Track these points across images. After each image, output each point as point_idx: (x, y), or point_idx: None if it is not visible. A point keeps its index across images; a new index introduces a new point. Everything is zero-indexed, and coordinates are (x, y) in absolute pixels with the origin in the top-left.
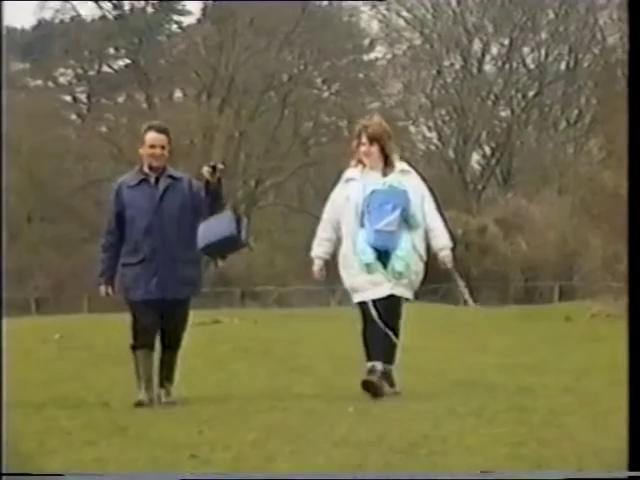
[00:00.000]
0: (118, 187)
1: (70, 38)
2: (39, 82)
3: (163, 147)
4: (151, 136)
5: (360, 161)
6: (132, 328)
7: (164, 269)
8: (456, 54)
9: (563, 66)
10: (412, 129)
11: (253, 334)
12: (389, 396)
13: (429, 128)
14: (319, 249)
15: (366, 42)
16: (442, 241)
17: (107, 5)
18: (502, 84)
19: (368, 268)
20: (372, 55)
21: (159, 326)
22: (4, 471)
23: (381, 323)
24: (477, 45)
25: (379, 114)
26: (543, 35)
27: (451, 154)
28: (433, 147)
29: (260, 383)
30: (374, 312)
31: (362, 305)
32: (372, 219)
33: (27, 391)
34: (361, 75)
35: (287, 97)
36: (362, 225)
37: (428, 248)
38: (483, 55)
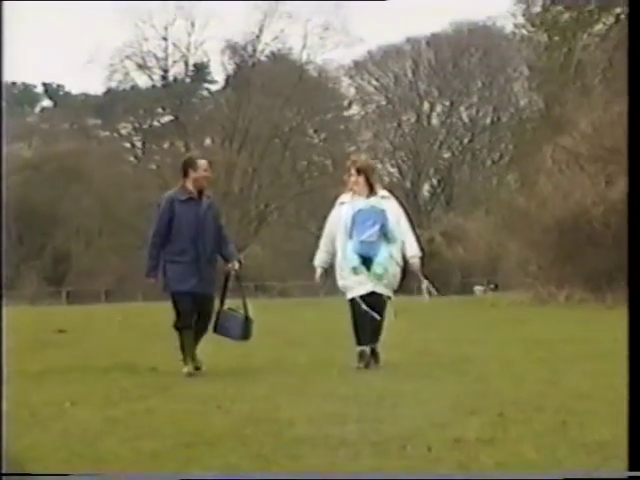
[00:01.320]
0: (171, 200)
1: (129, 101)
2: (107, 133)
3: (208, 170)
4: (203, 162)
5: (351, 189)
6: (176, 313)
7: (204, 269)
8: (411, 112)
9: (489, 121)
10: (379, 167)
11: (263, 318)
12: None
13: (392, 166)
14: (319, 260)
15: (345, 102)
16: (412, 251)
17: (156, 77)
18: (445, 133)
19: (354, 271)
20: (350, 112)
21: (194, 313)
22: (4, 471)
23: (369, 310)
24: (426, 105)
25: (365, 152)
26: (474, 98)
27: (408, 185)
28: (395, 179)
29: (269, 354)
30: (363, 305)
31: (352, 301)
32: (357, 232)
33: (96, 359)
34: (342, 127)
35: (288, 143)
36: (350, 237)
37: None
38: (431, 112)
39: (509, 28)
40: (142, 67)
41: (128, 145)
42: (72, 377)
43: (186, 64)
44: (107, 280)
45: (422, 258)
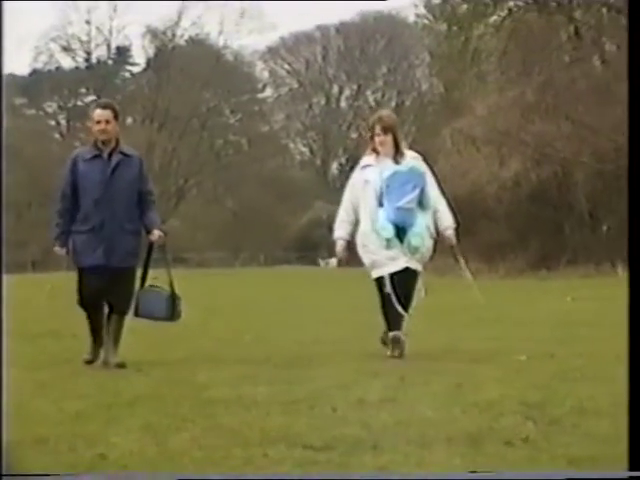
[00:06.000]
0: (74, 159)
1: (54, 81)
2: (33, 111)
3: (108, 121)
4: (96, 112)
5: (374, 149)
6: (78, 291)
7: (111, 239)
8: (321, 95)
9: (393, 104)
10: (292, 146)
11: (180, 287)
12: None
13: (303, 145)
14: (341, 231)
15: (260, 85)
16: (446, 221)
17: (80, 59)
18: (352, 115)
19: (388, 243)
20: (264, 94)
21: (105, 291)
22: (4, 472)
23: (394, 296)
24: (335, 88)
25: (388, 109)
26: (380, 83)
27: (318, 162)
28: (306, 158)
29: (187, 321)
30: (389, 286)
31: (380, 280)
32: (392, 198)
33: (26, 326)
34: (256, 108)
35: (205, 123)
36: (381, 205)
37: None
38: (340, 95)
39: (412, 18)
40: (67, 49)
41: (53, 123)
42: (2, 343)
43: (108, 47)
44: (34, 250)
45: (457, 229)
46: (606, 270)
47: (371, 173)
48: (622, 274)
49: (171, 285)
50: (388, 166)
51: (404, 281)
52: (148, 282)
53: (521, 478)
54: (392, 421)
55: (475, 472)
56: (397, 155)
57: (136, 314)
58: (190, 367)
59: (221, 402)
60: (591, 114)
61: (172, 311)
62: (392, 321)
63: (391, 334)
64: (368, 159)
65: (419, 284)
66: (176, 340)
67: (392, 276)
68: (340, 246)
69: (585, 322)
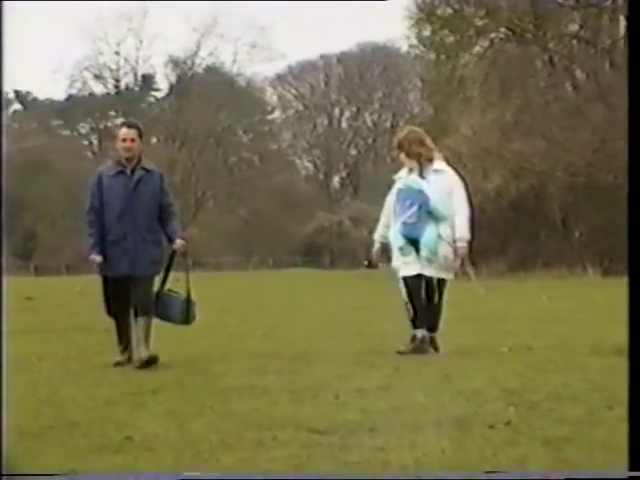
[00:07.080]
0: (99, 175)
1: (87, 105)
2: (68, 132)
3: (133, 140)
4: (122, 131)
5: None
6: (105, 300)
7: (134, 249)
8: (324, 116)
9: (388, 124)
10: (298, 162)
11: (199, 288)
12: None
13: (308, 161)
14: (378, 234)
15: (269, 108)
16: (458, 234)
17: (110, 85)
18: (352, 134)
19: (401, 251)
20: (273, 116)
21: (129, 297)
22: (4, 471)
23: (407, 297)
24: (337, 111)
25: (410, 125)
26: (376, 105)
27: (321, 177)
28: (310, 173)
29: (203, 319)
30: (404, 288)
31: (403, 279)
32: (398, 213)
33: (57, 322)
34: (266, 128)
35: (221, 141)
36: (396, 217)
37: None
38: (341, 117)
39: (405, 48)
40: (98, 77)
41: (86, 142)
42: (39, 337)
43: (135, 75)
44: (68, 256)
45: (471, 243)
46: (578, 272)
47: (396, 186)
48: (592, 276)
49: (188, 291)
50: (400, 182)
51: (420, 286)
52: (167, 286)
53: (521, 478)
54: (387, 407)
55: (475, 472)
56: (421, 168)
57: (155, 315)
58: (207, 360)
59: (235, 391)
60: (564, 133)
61: (186, 315)
62: (417, 319)
63: (415, 332)
64: (401, 172)
65: (442, 290)
66: (195, 336)
67: (409, 279)
68: (375, 247)
69: (559, 318)
